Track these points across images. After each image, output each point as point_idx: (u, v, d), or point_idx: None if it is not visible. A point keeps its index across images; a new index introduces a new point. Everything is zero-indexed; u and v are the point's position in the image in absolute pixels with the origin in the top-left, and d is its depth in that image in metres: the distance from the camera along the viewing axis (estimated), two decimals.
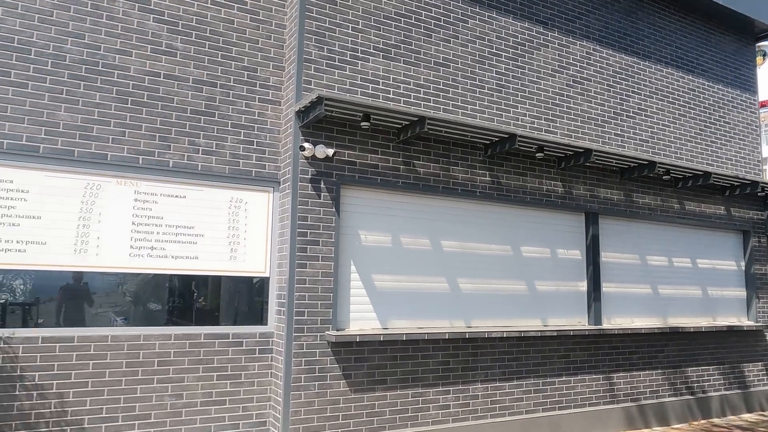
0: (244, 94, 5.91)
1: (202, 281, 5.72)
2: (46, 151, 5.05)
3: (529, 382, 6.68)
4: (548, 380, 6.82)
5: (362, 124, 5.70)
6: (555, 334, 6.76)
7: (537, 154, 6.76)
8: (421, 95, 6.44)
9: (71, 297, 5.21)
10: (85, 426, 4.95)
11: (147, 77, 5.49)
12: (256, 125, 5.93)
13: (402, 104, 6.27)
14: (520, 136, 6.36)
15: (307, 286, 5.58)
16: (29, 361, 4.82)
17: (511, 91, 7.08)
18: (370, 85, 6.15)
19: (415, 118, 5.84)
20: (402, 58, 6.38)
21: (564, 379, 6.94)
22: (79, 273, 5.18)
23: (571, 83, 7.60)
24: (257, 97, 5.97)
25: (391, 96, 6.24)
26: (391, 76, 6.28)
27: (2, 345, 4.74)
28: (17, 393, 4.76)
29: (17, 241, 4.92)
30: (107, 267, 5.23)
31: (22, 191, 4.98)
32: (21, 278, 5.09)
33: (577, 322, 7.31)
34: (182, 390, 5.32)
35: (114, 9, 5.42)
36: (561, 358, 6.96)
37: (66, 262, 5.08)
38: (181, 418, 5.30)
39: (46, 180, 5.07)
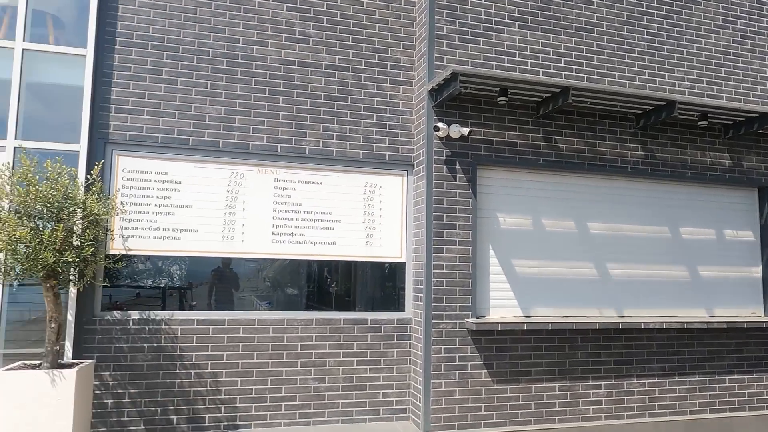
0: (375, 76, 5.80)
1: (339, 266, 5.74)
2: (194, 143, 5.30)
3: (693, 380, 5.95)
4: (717, 378, 6.03)
5: (499, 99, 5.34)
6: (725, 326, 5.93)
7: (699, 123, 5.95)
8: (562, 65, 5.92)
9: (220, 281, 5.47)
10: (237, 405, 5.17)
11: (282, 66, 5.57)
12: (388, 108, 5.80)
13: (541, 75, 5.80)
14: (680, 103, 5.62)
15: (444, 271, 5.37)
16: (187, 342, 5.12)
17: (665, 53, 6.29)
18: (506, 57, 5.75)
19: (558, 89, 5.37)
20: (540, 26, 5.89)
21: (736, 377, 6.10)
22: (227, 259, 5.42)
23: (739, 39, 6.60)
24: (388, 78, 5.83)
25: (528, 68, 5.80)
26: (529, 46, 5.83)
27: (164, 326, 5.08)
28: (178, 371, 5.07)
29: (173, 229, 5.23)
30: (252, 253, 5.41)
31: (176, 182, 5.28)
32: (177, 264, 5.43)
33: (751, 312, 6.39)
34: (324, 374, 5.38)
35: (251, 1, 5.54)
36: (732, 353, 6.12)
37: (215, 248, 5.32)
38: (324, 402, 5.36)
39: (195, 171, 5.33)
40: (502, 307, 5.62)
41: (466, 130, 5.46)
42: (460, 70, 5.02)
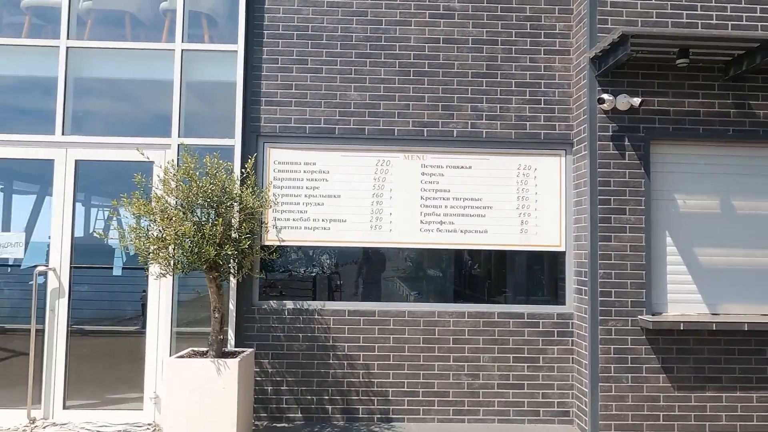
0: (528, 47, 5.28)
1: (492, 256, 5.37)
2: (341, 131, 5.21)
3: None
4: None
5: (678, 62, 4.56)
6: None
7: None
8: (758, 14, 4.93)
9: (369, 271, 5.38)
10: (390, 398, 5.06)
11: (427, 45, 5.26)
12: (542, 81, 5.26)
13: (730, 30, 4.89)
14: None
15: (612, 262, 4.77)
16: (339, 333, 5.09)
17: None
18: (684, 12, 4.92)
19: (755, 44, 4.45)
20: None
21: None
22: (375, 248, 5.30)
23: None
24: (542, 49, 5.28)
25: (713, 22, 4.91)
26: None
27: (316, 316, 5.10)
28: (331, 362, 5.07)
29: (322, 220, 5.22)
30: (400, 242, 5.23)
31: (324, 172, 5.24)
32: (327, 254, 5.43)
33: None
34: (478, 370, 5.08)
35: None
36: None
37: (363, 238, 5.22)
38: (479, 399, 5.07)
39: (342, 159, 5.25)
40: (683, 302, 4.88)
41: (636, 101, 4.77)
42: (630, 32, 4.35)
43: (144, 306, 5.28)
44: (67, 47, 5.15)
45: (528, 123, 5.24)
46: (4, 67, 5.34)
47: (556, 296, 5.29)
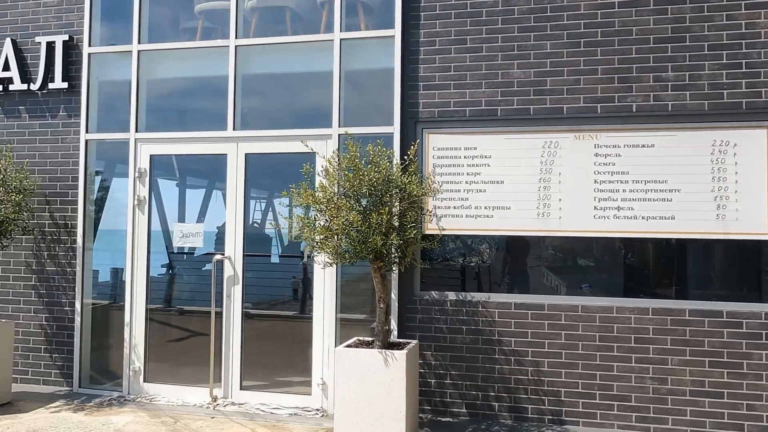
0: (723, 3, 4.55)
1: (680, 246, 4.74)
2: (503, 113, 4.90)
3: None
4: None
5: None
6: None
7: None
8: None
9: (535, 262, 5.03)
10: (562, 399, 4.69)
11: (599, 11, 4.74)
12: (743, 41, 4.50)
13: None
14: None
15: None
16: (504, 327, 4.81)
17: None
18: None
19: None
20: None
21: None
22: (542, 237, 4.92)
23: None
24: (743, 3, 4.52)
25: None
26: None
27: (481, 309, 4.86)
28: (497, 356, 4.82)
29: (484, 207, 4.95)
30: (571, 231, 4.80)
31: (485, 157, 4.96)
32: (487, 242, 5.15)
33: None
34: (665, 374, 4.52)
35: None
36: None
37: (530, 226, 4.87)
38: (667, 407, 4.51)
39: (505, 143, 4.93)
40: None
41: None
42: None
43: (295, 291, 5.45)
44: (236, 46, 5.38)
45: (725, 91, 4.52)
46: (183, 69, 5.75)
47: (761, 292, 4.54)
